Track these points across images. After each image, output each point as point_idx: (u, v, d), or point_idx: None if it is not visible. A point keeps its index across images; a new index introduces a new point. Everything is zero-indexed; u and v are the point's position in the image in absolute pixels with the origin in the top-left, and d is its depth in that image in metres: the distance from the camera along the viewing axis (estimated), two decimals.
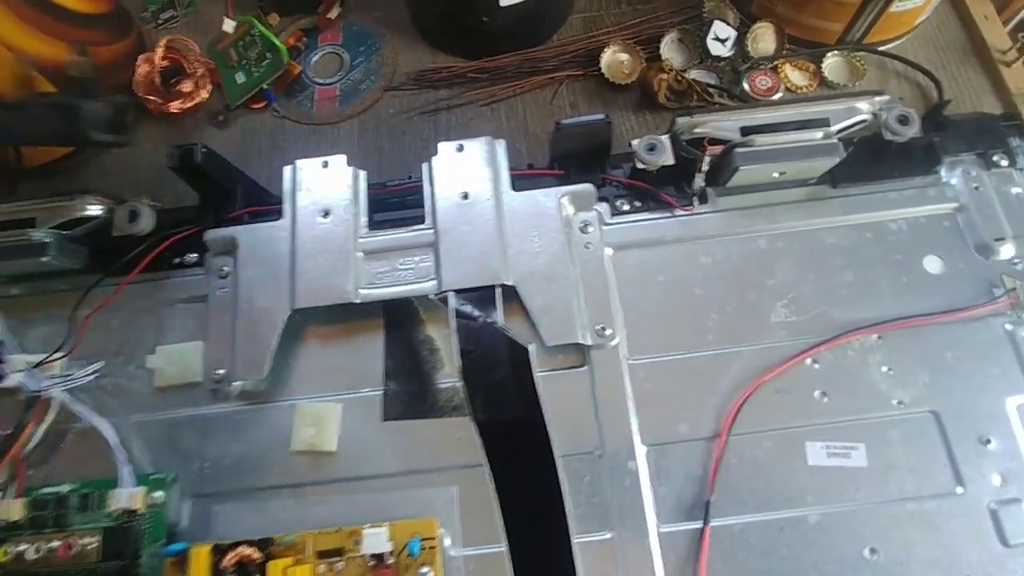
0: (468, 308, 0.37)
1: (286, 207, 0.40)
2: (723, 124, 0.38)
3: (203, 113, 0.55)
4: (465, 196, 0.39)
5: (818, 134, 0.38)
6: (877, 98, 0.39)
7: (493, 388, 0.35)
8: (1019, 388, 0.37)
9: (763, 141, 0.38)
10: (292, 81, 0.55)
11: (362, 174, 0.41)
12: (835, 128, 0.39)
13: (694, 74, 0.53)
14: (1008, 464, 0.35)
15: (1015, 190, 0.41)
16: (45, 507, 0.36)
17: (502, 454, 0.34)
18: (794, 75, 0.53)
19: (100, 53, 0.51)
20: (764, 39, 0.54)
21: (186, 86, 0.53)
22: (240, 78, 0.54)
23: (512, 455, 0.35)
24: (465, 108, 0.54)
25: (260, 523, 0.36)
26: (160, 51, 0.53)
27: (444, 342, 0.39)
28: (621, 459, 0.36)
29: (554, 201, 0.39)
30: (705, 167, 0.39)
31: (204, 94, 0.54)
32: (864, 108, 0.39)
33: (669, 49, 0.54)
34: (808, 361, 0.37)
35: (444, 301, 0.37)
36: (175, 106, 0.53)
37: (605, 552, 0.34)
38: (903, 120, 0.39)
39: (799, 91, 0.53)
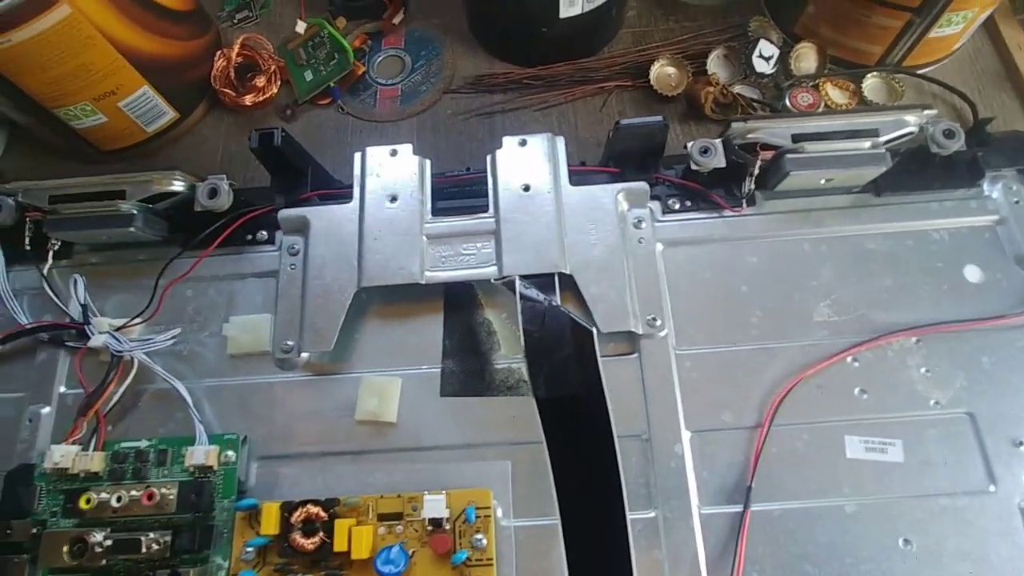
0: (531, 292, 0.39)
1: (355, 191, 0.43)
2: (776, 131, 0.40)
3: (272, 107, 0.58)
4: (526, 188, 0.42)
5: (866, 144, 0.40)
6: (925, 112, 0.41)
7: (556, 367, 0.37)
8: None
9: (813, 148, 0.40)
10: (356, 80, 0.58)
11: (427, 163, 0.44)
12: (883, 139, 0.41)
13: (738, 89, 0.56)
14: None
15: None
16: (124, 460, 0.38)
17: (562, 430, 0.36)
18: (834, 93, 0.55)
19: (183, 47, 0.54)
20: (806, 58, 0.56)
21: (259, 81, 0.57)
22: (308, 76, 0.57)
23: (572, 432, 0.36)
24: (519, 112, 0.57)
25: (322, 486, 0.38)
26: (236, 48, 0.57)
27: (501, 325, 0.41)
28: (667, 443, 0.37)
29: (610, 196, 0.42)
30: (756, 171, 0.41)
31: (274, 89, 0.57)
32: (911, 121, 0.41)
33: (715, 64, 0.56)
34: (849, 359, 0.39)
35: (505, 286, 0.40)
36: (248, 99, 0.56)
37: (649, 530, 0.36)
38: (949, 134, 0.41)
39: (839, 108, 0.55)
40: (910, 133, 0.41)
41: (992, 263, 0.41)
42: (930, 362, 0.39)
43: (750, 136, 0.41)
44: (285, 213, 0.43)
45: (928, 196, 0.43)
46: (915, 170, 0.43)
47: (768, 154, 0.41)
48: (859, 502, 0.36)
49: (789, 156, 0.40)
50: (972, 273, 0.41)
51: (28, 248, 0.43)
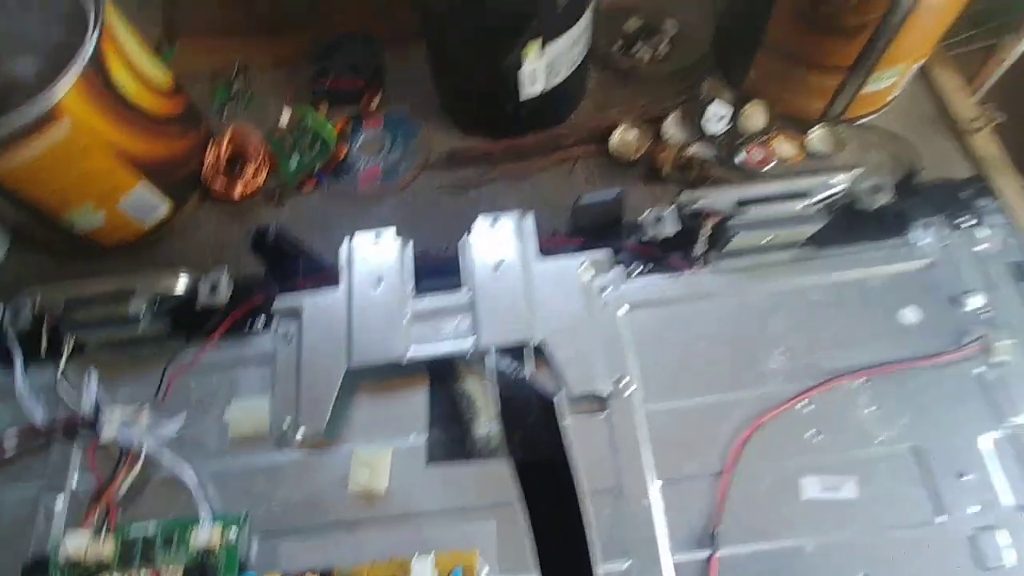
0: (504, 363, 0.42)
1: (343, 276, 0.47)
2: (720, 198, 0.44)
3: (262, 194, 0.62)
4: (498, 264, 0.46)
5: (800, 205, 0.44)
6: (853, 171, 0.46)
7: (527, 431, 0.41)
8: (989, 427, 0.41)
9: (755, 212, 0.44)
10: (339, 163, 0.63)
11: (409, 244, 0.48)
12: (816, 199, 0.45)
13: (695, 148, 0.60)
14: (983, 495, 0.39)
15: (980, 247, 0.47)
16: (133, 545, 0.41)
17: (535, 490, 0.39)
18: (784, 147, 0.60)
19: (175, 146, 0.59)
20: (756, 116, 0.60)
21: (248, 171, 0.61)
22: (295, 162, 0.62)
23: (544, 491, 0.40)
24: (493, 183, 0.61)
25: (320, 557, 0.41)
26: (226, 139, 0.61)
27: (481, 394, 0.44)
28: (637, 494, 0.40)
29: (576, 266, 0.45)
30: (706, 235, 0.45)
31: (263, 176, 0.62)
32: (840, 181, 0.45)
33: (672, 127, 0.61)
34: (802, 405, 0.42)
35: (481, 358, 0.43)
36: (238, 189, 0.60)
37: None
38: (875, 190, 0.45)
39: (788, 161, 0.59)
40: (840, 191, 0.45)
41: (928, 304, 0.45)
42: (876, 401, 0.42)
43: (697, 205, 0.45)
44: (280, 302, 0.47)
45: (865, 246, 0.47)
46: (851, 224, 0.47)
47: (715, 219, 0.45)
48: (819, 541, 0.39)
49: (734, 220, 0.44)
50: (909, 315, 0.45)
51: (45, 348, 0.47)
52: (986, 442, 0.41)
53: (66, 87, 0.46)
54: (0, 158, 0.47)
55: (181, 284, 0.46)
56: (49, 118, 0.47)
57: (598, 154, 0.61)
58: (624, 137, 0.60)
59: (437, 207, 0.60)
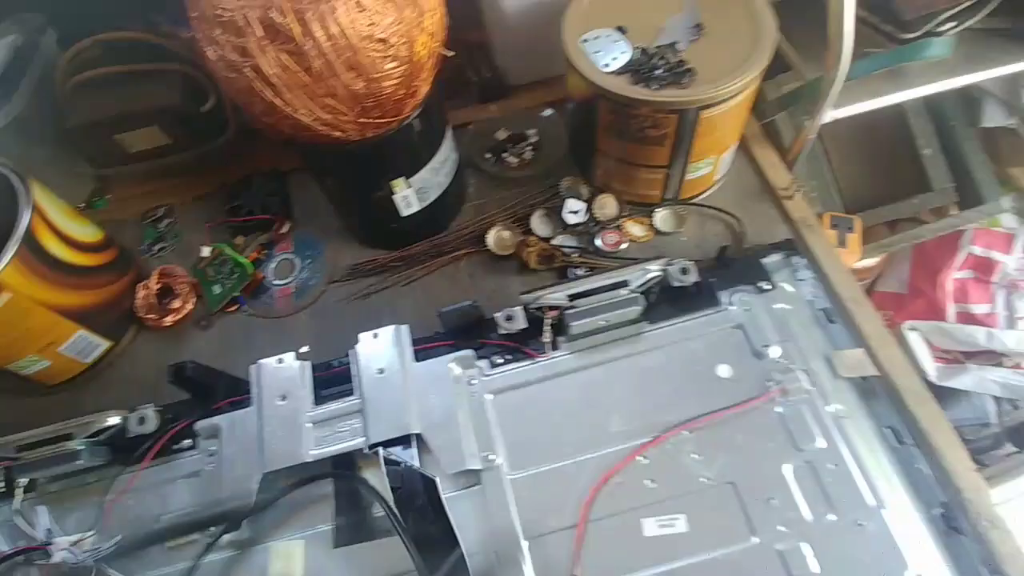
0: (392, 455, 0.50)
1: (253, 396, 0.55)
2: (555, 295, 0.54)
3: (191, 321, 0.71)
4: (381, 371, 0.54)
5: (623, 292, 0.54)
6: (663, 259, 0.56)
7: (417, 512, 0.48)
8: (791, 456, 0.50)
9: (584, 302, 0.54)
10: (257, 286, 0.72)
11: (307, 364, 0.56)
12: (634, 285, 0.54)
13: (560, 239, 0.70)
14: (787, 514, 0.48)
15: (777, 305, 0.57)
16: None
17: (429, 561, 0.46)
18: (634, 229, 0.70)
19: (108, 292, 0.67)
20: (607, 206, 0.71)
21: (175, 303, 0.70)
22: (217, 289, 0.71)
23: (435, 561, 0.47)
24: (390, 290, 0.70)
25: None
26: (154, 278, 0.70)
27: (377, 483, 0.52)
28: (511, 553, 0.48)
29: (444, 367, 0.54)
30: (548, 326, 0.54)
31: (189, 306, 0.71)
32: (653, 268, 0.55)
33: (537, 223, 0.71)
34: (639, 458, 0.51)
35: (374, 453, 0.51)
36: (168, 320, 0.69)
37: None
38: (684, 271, 0.56)
39: (640, 240, 0.70)
40: (656, 277, 0.55)
41: (737, 360, 0.55)
42: (699, 448, 0.51)
43: (538, 302, 0.54)
44: (200, 424, 0.55)
45: (686, 317, 0.57)
46: (673, 300, 0.57)
47: (554, 313, 0.54)
48: (656, 572, 0.47)
49: (568, 311, 0.54)
50: (724, 370, 0.54)
51: (3, 489, 0.54)
52: (787, 469, 0.50)
53: (2, 264, 0.55)
54: None
55: (111, 420, 0.54)
56: None
57: (479, 252, 0.71)
58: (499, 235, 0.71)
59: (344, 316, 0.69)
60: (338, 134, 0.52)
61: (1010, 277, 1.22)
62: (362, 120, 0.52)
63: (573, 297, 0.54)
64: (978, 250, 1.22)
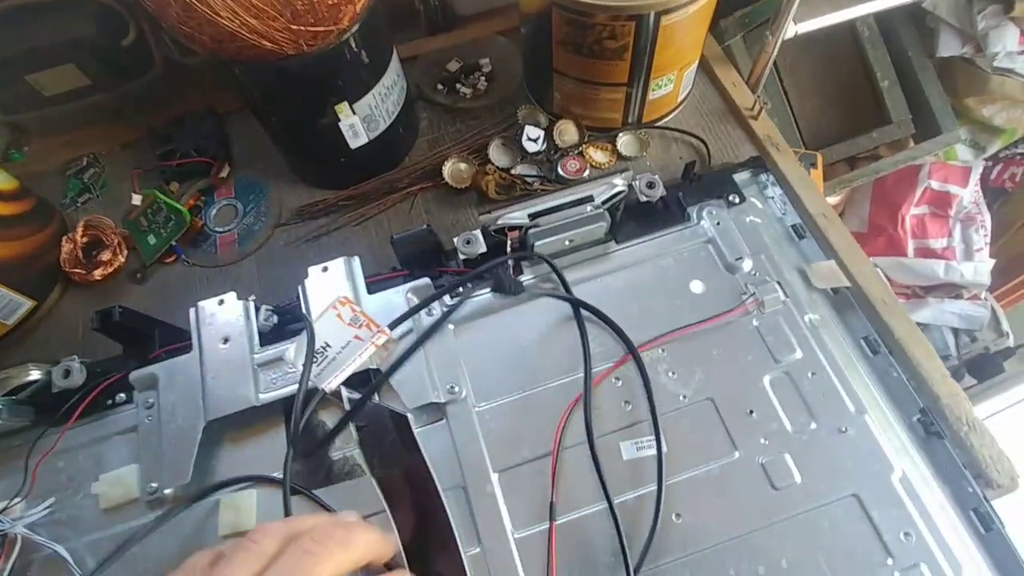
0: (355, 395, 0.46)
1: (194, 341, 0.50)
2: (515, 214, 0.50)
3: (124, 274, 0.65)
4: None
5: (588, 208, 0.51)
6: (628, 173, 0.53)
7: (386, 451, 0.45)
8: (769, 367, 0.48)
9: (547, 220, 0.50)
10: (196, 234, 0.66)
11: (251, 303, 0.52)
12: (599, 200, 0.51)
13: (520, 168, 0.66)
14: (769, 426, 0.46)
15: (748, 219, 0.54)
16: None
17: (401, 501, 0.43)
18: (597, 155, 0.67)
19: (26, 244, 0.61)
20: (568, 132, 0.68)
21: (104, 255, 0.64)
22: (152, 240, 0.65)
23: (410, 500, 0.43)
24: (342, 230, 0.66)
25: None
26: (80, 230, 0.64)
27: (333, 423, 0.48)
28: (480, 486, 0.45)
29: (401, 297, 0.50)
30: (510, 248, 0.51)
31: (121, 259, 0.65)
32: (619, 182, 0.52)
33: (495, 153, 0.67)
34: (612, 379, 0.48)
35: (333, 396, 0.47)
36: (98, 273, 0.63)
37: (478, 564, 0.43)
38: (651, 185, 0.53)
39: (603, 166, 0.66)
40: (621, 191, 0.52)
41: (709, 275, 0.52)
42: (674, 365, 0.49)
43: (499, 223, 0.51)
44: (136, 374, 0.50)
45: (655, 234, 0.54)
46: (642, 216, 0.54)
47: (515, 233, 0.51)
48: (636, 495, 0.45)
49: (531, 231, 0.50)
50: (696, 286, 0.52)
51: None
52: (766, 381, 0.48)
53: None
54: None
55: (33, 375, 0.48)
56: None
57: (435, 188, 0.67)
58: (455, 168, 0.67)
59: (293, 260, 0.64)
60: (270, 45, 0.47)
61: (966, 210, 1.23)
62: (295, 27, 0.47)
63: (535, 216, 0.51)
64: (935, 184, 1.23)
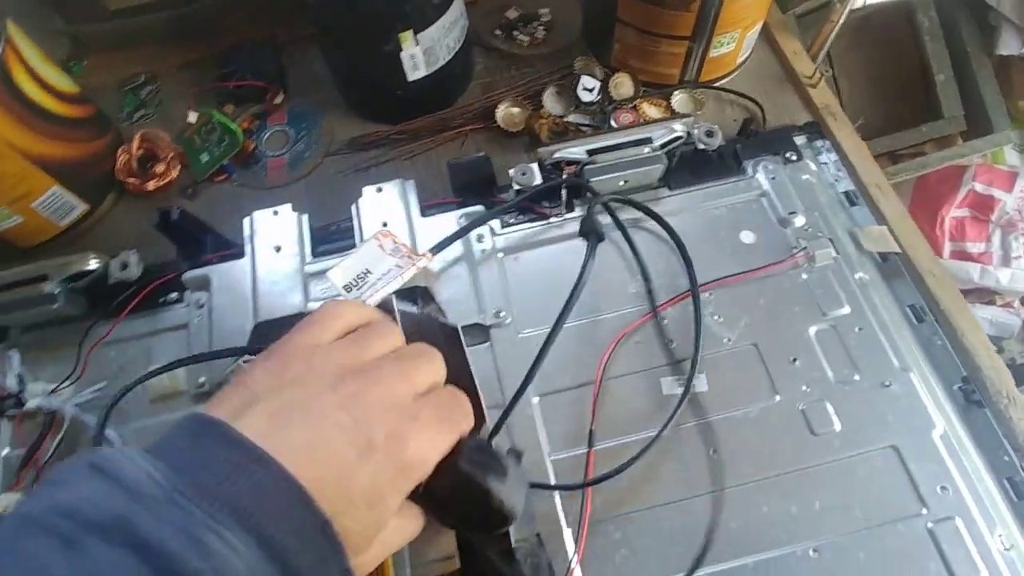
0: (405, 305, 0.47)
1: (247, 248, 0.51)
2: (573, 149, 0.51)
3: (175, 189, 0.66)
4: (385, 224, 0.51)
5: (646, 149, 0.51)
6: (688, 119, 0.53)
7: None
8: (816, 319, 0.48)
9: (605, 158, 0.51)
10: (248, 156, 0.67)
11: (304, 217, 0.52)
12: (657, 143, 0.51)
13: (572, 117, 0.66)
14: (811, 375, 0.46)
15: (804, 177, 0.54)
16: None
17: None
18: (650, 110, 0.67)
19: (85, 148, 0.62)
20: (623, 85, 0.67)
21: (159, 168, 0.65)
22: (204, 157, 0.66)
23: None
24: (391, 163, 0.66)
25: None
26: (136, 142, 0.65)
27: None
28: (520, 407, 0.46)
29: (454, 222, 0.51)
30: (565, 182, 0.51)
31: (174, 173, 0.66)
32: (678, 128, 0.52)
33: (549, 101, 0.67)
34: (659, 317, 0.49)
35: (382, 306, 0.48)
36: (151, 185, 0.64)
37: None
38: (710, 133, 0.52)
39: (655, 122, 0.66)
40: (679, 137, 0.52)
41: (761, 227, 0.52)
42: (721, 310, 0.49)
43: (555, 156, 0.51)
44: (190, 273, 0.51)
45: (708, 184, 0.54)
46: (695, 166, 0.54)
47: (572, 168, 0.51)
48: (675, 428, 0.45)
49: (588, 167, 0.50)
50: (747, 237, 0.52)
51: None
52: (811, 332, 0.48)
53: None
54: None
55: (92, 263, 0.49)
56: None
57: (486, 130, 0.67)
58: (508, 111, 0.67)
59: (341, 189, 0.65)
60: None
61: (1008, 216, 1.21)
62: None
63: (592, 153, 0.51)
64: (979, 187, 1.21)
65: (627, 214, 0.53)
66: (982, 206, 1.21)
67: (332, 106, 0.70)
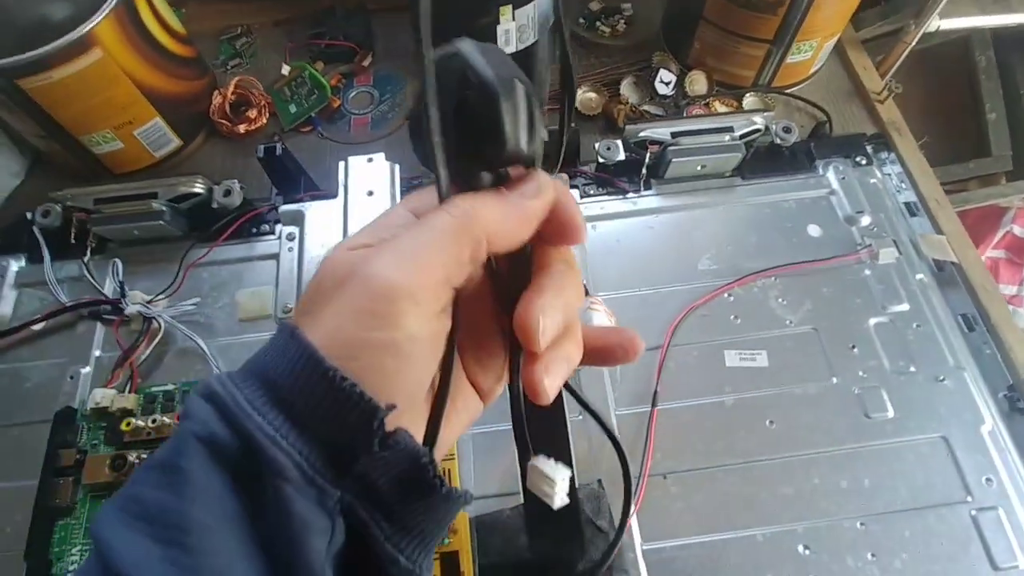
0: None
1: (340, 190, 0.54)
2: (659, 130, 0.53)
3: (263, 135, 0.69)
4: None
5: (726, 137, 0.54)
6: (768, 113, 0.55)
7: None
8: (875, 312, 0.51)
9: (687, 141, 0.53)
10: (333, 112, 0.70)
11: (397, 166, 0.55)
12: (738, 133, 0.54)
13: (648, 108, 0.69)
14: (868, 363, 0.49)
15: (871, 180, 0.57)
16: (154, 400, 0.47)
17: None
18: (722, 109, 0.69)
19: (187, 86, 0.66)
20: (698, 83, 0.70)
21: (251, 113, 0.68)
22: (292, 108, 0.69)
23: None
24: None
25: None
26: (231, 87, 0.69)
27: None
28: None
29: None
30: (648, 160, 0.54)
31: (264, 120, 0.69)
32: (758, 120, 0.55)
33: (627, 88, 0.70)
34: (725, 295, 0.51)
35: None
36: (242, 128, 0.67)
37: (577, 430, 0.46)
38: (787, 130, 0.55)
39: (737, 113, 0.69)
40: (758, 129, 0.55)
41: (827, 222, 0.55)
42: (785, 294, 0.51)
43: (641, 135, 0.54)
44: (285, 207, 0.54)
45: (780, 177, 0.56)
46: (769, 159, 0.57)
47: (655, 148, 0.54)
48: (736, 398, 0.47)
49: (671, 148, 0.53)
50: (814, 230, 0.54)
51: (73, 243, 0.53)
52: (871, 323, 0.50)
53: (100, 18, 0.53)
54: (37, 79, 0.53)
55: (198, 187, 0.53)
56: (82, 46, 0.54)
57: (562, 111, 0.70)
58: (585, 96, 0.70)
59: None
60: None
61: None
62: None
63: (676, 135, 0.54)
64: (1017, 230, 1.22)
65: (701, 197, 0.55)
66: (1018, 249, 1.22)
67: (416, 72, 0.73)
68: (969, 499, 0.44)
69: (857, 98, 0.71)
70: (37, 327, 0.51)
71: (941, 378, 0.48)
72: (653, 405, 0.47)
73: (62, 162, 0.65)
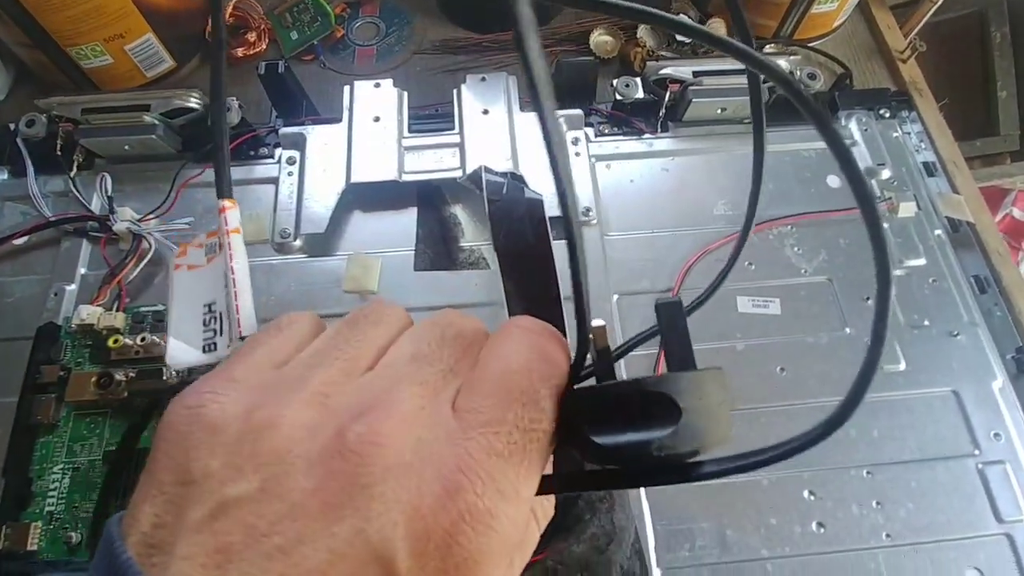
0: (494, 174, 0.48)
1: (344, 114, 0.52)
2: (681, 68, 0.51)
3: (261, 61, 0.66)
4: (486, 111, 0.51)
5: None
6: (794, 57, 0.53)
7: (513, 225, 0.46)
8: (892, 266, 0.49)
9: (710, 82, 0.51)
10: (336, 41, 0.67)
11: (405, 93, 0.53)
12: (762, 76, 0.52)
13: (665, 52, 0.67)
14: None
15: (894, 134, 0.55)
16: (143, 320, 0.45)
17: (516, 279, 0.45)
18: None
19: (180, 1, 0.62)
20: (718, 31, 0.68)
21: (250, 36, 0.65)
22: (294, 35, 0.66)
23: (523, 281, 0.45)
24: (479, 69, 0.66)
25: None
26: (229, 8, 0.65)
27: (465, 217, 0.50)
28: (599, 302, 0.47)
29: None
30: (667, 100, 0.52)
31: (263, 46, 0.66)
32: (784, 64, 0.52)
33: (644, 32, 0.67)
34: None
35: (470, 180, 0.49)
36: (240, 51, 0.64)
37: None
38: (812, 76, 0.53)
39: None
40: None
41: None
42: (800, 242, 0.50)
43: (661, 72, 0.52)
44: (285, 130, 0.52)
45: (801, 126, 0.55)
46: (791, 108, 0.54)
47: (676, 87, 0.52)
48: (747, 343, 0.46)
49: (692, 87, 0.51)
50: (833, 181, 0.53)
51: (59, 155, 0.50)
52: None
53: None
54: None
55: (193, 101, 0.50)
56: None
57: (577, 53, 0.67)
58: (601, 38, 0.67)
59: (427, 86, 0.65)
60: None
61: None
62: None
63: (698, 74, 0.51)
64: (1017, 212, 1.22)
65: (718, 141, 0.53)
66: (1016, 232, 1.22)
67: (425, 9, 0.70)
68: (976, 452, 0.43)
69: (879, 56, 0.69)
70: (19, 241, 0.48)
71: (955, 333, 0.47)
72: (660, 348, 0.45)
73: (49, 78, 0.61)
